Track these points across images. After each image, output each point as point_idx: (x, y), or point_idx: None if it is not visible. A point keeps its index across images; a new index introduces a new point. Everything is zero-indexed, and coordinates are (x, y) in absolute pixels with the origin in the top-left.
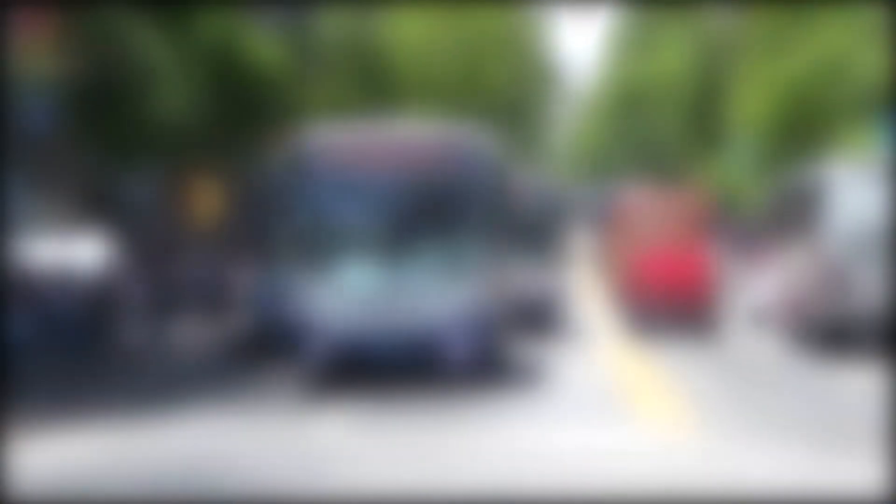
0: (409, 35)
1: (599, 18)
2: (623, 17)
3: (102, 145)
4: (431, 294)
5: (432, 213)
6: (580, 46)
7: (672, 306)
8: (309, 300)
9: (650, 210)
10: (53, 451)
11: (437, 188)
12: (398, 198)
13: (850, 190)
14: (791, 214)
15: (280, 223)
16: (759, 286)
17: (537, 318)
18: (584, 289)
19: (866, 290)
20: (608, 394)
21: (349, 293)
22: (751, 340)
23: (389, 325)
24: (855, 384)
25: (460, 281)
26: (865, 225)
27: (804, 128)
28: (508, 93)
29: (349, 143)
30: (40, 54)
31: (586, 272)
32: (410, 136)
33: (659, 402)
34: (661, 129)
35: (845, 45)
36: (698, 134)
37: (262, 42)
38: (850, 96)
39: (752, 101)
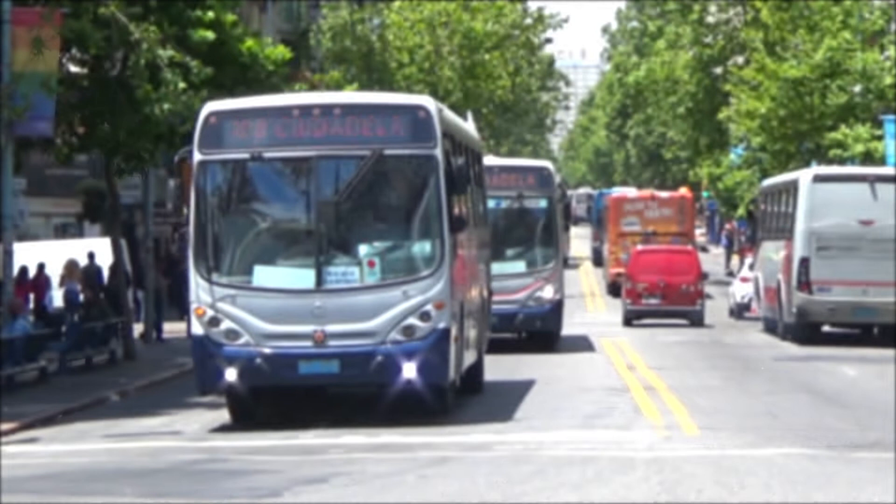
0: (411, 31)
1: (601, 18)
2: (625, 17)
3: (102, 145)
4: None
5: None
6: (581, 46)
7: (662, 300)
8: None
9: (643, 210)
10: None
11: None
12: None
13: (818, 192)
14: (769, 215)
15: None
16: (741, 281)
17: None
18: (584, 288)
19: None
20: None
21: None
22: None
23: (321, 335)
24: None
25: (404, 283)
26: (833, 224)
27: (804, 128)
28: (509, 90)
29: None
30: (41, 53)
31: (586, 271)
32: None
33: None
34: (662, 129)
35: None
36: (699, 134)
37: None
38: (850, 96)
39: (752, 101)
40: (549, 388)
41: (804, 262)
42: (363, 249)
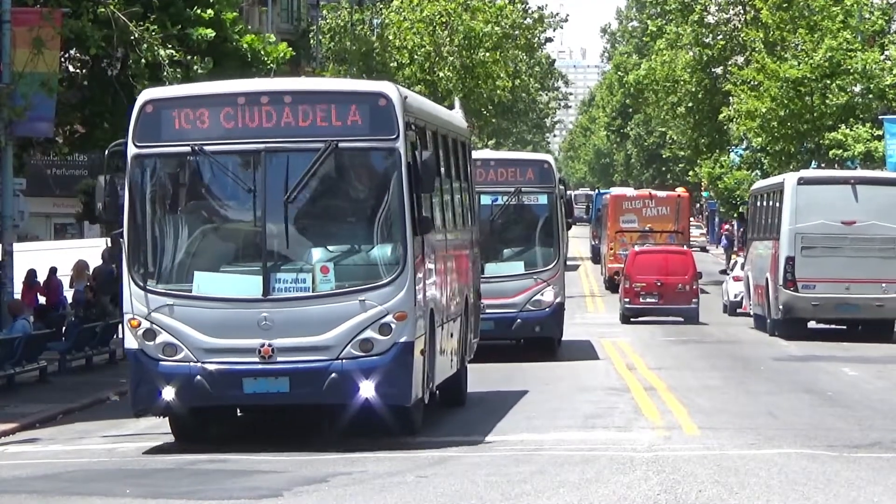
0: (410, 31)
1: (601, 18)
2: (625, 17)
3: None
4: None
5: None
6: (581, 46)
7: (659, 299)
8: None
9: (641, 208)
10: None
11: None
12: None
13: (802, 194)
14: (758, 217)
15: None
16: (734, 279)
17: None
18: (584, 289)
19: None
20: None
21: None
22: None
23: (268, 350)
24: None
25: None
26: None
27: (804, 128)
28: (508, 90)
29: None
30: (41, 53)
31: (585, 271)
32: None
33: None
34: (661, 129)
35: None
36: (698, 134)
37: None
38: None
39: (752, 101)
40: (548, 388)
41: (790, 260)
42: (316, 254)
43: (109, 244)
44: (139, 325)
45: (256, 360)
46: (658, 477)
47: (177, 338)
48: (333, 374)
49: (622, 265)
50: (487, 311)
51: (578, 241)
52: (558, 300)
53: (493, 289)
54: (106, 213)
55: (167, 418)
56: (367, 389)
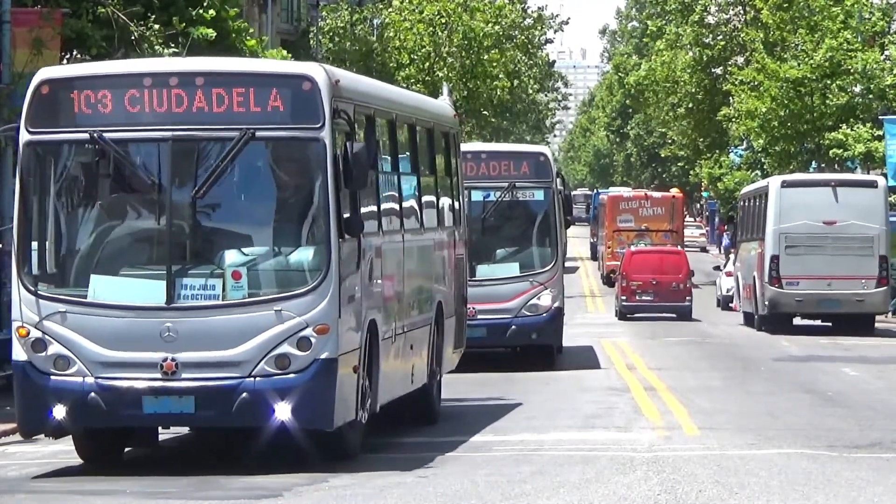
0: (410, 31)
1: (601, 18)
2: (625, 17)
3: None
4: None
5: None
6: (581, 46)
7: (654, 297)
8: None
9: (637, 208)
10: None
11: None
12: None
13: (786, 196)
14: (746, 218)
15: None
16: (726, 275)
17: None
18: (584, 289)
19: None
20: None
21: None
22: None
23: (171, 365)
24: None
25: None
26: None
27: (804, 128)
28: (508, 91)
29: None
30: (41, 53)
31: (585, 272)
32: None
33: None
34: (661, 129)
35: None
36: (698, 134)
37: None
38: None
39: (752, 101)
40: (548, 388)
41: (774, 259)
42: (228, 257)
43: None
44: (28, 334)
45: (158, 375)
46: (658, 477)
47: (70, 349)
48: (245, 394)
49: (619, 262)
50: (479, 316)
51: (578, 241)
52: (556, 305)
53: (485, 293)
54: None
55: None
56: (282, 411)
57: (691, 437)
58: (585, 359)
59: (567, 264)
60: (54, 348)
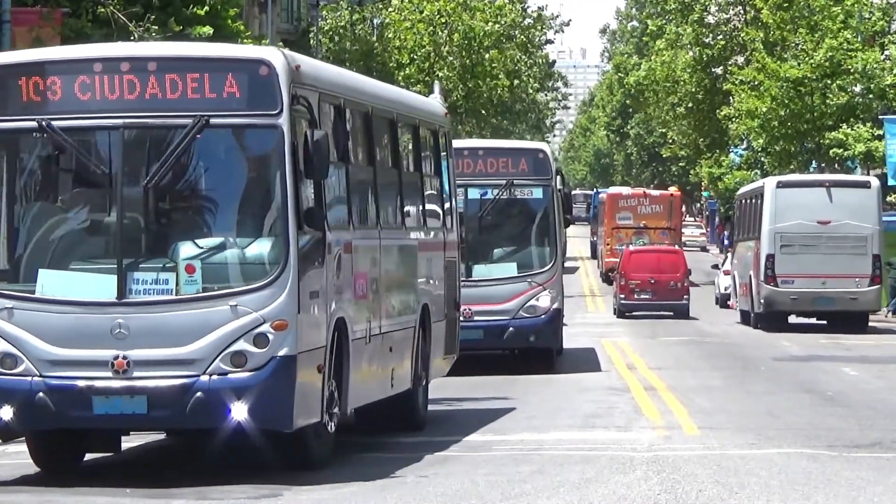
0: (410, 31)
1: (601, 18)
2: (625, 17)
3: None
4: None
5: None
6: (581, 46)
7: (652, 295)
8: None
9: (636, 206)
10: None
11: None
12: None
13: (781, 197)
14: (742, 219)
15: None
16: (724, 273)
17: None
18: (584, 289)
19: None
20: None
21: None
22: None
23: (123, 363)
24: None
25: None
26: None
27: (804, 127)
28: (507, 90)
29: None
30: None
31: (585, 271)
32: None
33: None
34: (661, 129)
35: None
36: (698, 134)
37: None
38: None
39: (752, 101)
40: (548, 388)
41: (770, 258)
42: (181, 250)
43: None
44: None
45: (109, 374)
46: (658, 477)
47: (17, 347)
48: (199, 393)
49: (618, 259)
50: (476, 318)
51: (578, 240)
52: (555, 306)
53: (481, 293)
54: None
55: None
56: (239, 411)
57: (691, 437)
58: (586, 361)
59: (567, 264)
60: (0, 346)
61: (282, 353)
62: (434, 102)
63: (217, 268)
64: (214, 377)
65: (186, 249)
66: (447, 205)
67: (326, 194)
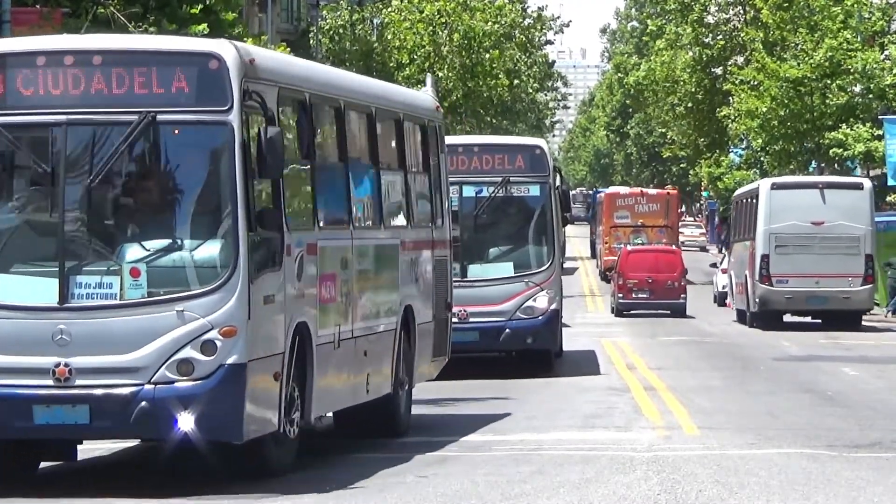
0: (410, 31)
1: (601, 18)
2: (625, 17)
3: None
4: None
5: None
6: (581, 46)
7: (650, 295)
8: None
9: (634, 205)
10: None
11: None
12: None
13: (775, 198)
14: (738, 220)
15: None
16: (722, 272)
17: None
18: (584, 289)
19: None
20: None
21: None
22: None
23: (64, 370)
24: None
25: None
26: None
27: (804, 127)
28: (507, 90)
29: None
30: None
31: (585, 271)
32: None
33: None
34: (661, 128)
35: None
36: (698, 134)
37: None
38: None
39: (752, 101)
40: (548, 388)
41: (765, 258)
42: (126, 253)
43: None
44: None
45: (50, 382)
46: (658, 477)
47: None
48: (144, 403)
49: (616, 258)
50: (471, 320)
51: (578, 240)
52: (553, 307)
53: (477, 294)
54: None
55: None
56: (185, 422)
57: (691, 437)
58: (586, 364)
59: (566, 265)
60: None
61: (230, 360)
62: (424, 96)
63: (163, 271)
64: (160, 386)
65: (132, 252)
66: (438, 202)
67: (287, 194)
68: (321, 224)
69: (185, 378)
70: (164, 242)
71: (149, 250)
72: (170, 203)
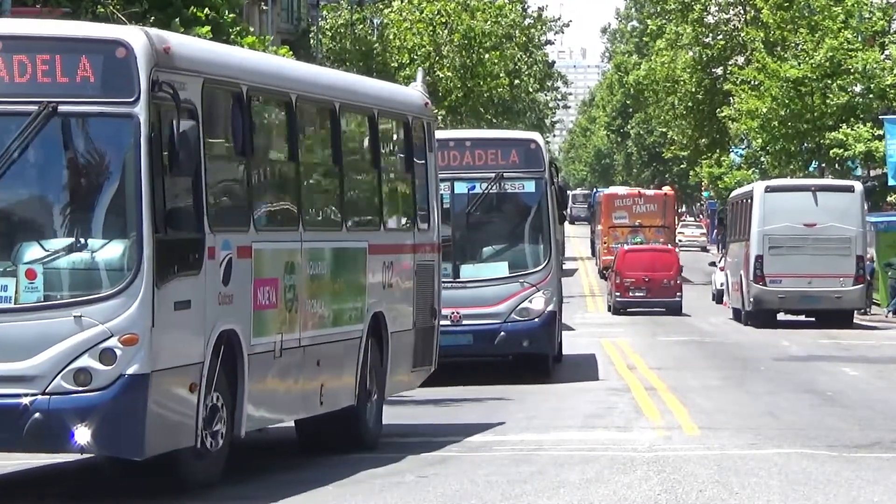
0: (410, 31)
1: (601, 18)
2: (625, 17)
3: None
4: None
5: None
6: (581, 46)
7: (646, 293)
8: None
9: (631, 205)
10: None
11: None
12: None
13: (769, 200)
14: (734, 221)
15: None
16: (720, 270)
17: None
18: (584, 288)
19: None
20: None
21: None
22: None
23: None
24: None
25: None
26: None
27: (804, 127)
28: (507, 90)
29: None
30: None
31: (585, 270)
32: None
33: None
34: (661, 128)
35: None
36: (699, 134)
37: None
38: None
39: (752, 101)
40: (548, 388)
41: (759, 258)
42: (23, 253)
43: None
44: None
45: None
46: (658, 477)
47: None
48: (37, 414)
49: (614, 258)
50: (464, 322)
51: (578, 241)
52: (550, 308)
53: (470, 296)
54: None
55: None
56: (82, 435)
57: (691, 437)
58: (585, 369)
59: (566, 266)
60: None
61: (131, 370)
62: (410, 92)
63: (61, 273)
64: (55, 397)
65: (29, 252)
66: (424, 203)
67: (211, 192)
68: (260, 225)
69: (82, 388)
70: (64, 243)
71: (47, 251)
72: (71, 200)
